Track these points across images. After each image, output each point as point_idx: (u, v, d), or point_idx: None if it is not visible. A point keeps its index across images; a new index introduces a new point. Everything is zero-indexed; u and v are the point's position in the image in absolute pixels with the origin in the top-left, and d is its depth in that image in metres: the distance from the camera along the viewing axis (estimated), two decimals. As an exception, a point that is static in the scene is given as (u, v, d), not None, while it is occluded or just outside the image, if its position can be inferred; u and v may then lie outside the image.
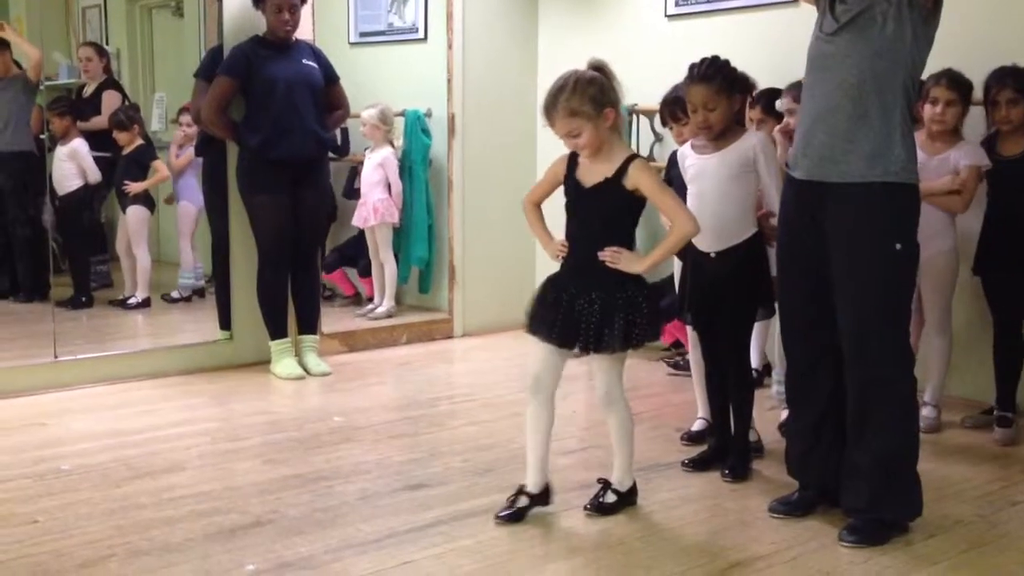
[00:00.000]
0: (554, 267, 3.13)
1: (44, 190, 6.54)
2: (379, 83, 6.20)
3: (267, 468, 3.55)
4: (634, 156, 2.91)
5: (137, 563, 2.74)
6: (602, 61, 2.93)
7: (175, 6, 7.91)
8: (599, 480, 3.14)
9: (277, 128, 4.66)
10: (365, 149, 6.15)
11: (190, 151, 6.51)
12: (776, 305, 3.43)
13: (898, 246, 2.86)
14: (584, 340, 2.90)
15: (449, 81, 5.81)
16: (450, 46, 5.78)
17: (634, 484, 3.15)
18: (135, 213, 6.32)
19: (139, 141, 6.36)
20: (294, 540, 2.90)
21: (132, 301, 6.22)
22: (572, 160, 2.97)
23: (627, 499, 3.12)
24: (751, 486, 3.39)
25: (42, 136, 6.68)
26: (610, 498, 3.09)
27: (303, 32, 4.92)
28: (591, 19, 5.76)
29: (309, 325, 5.01)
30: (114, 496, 3.24)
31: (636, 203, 2.93)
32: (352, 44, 6.44)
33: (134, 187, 6.30)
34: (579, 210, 2.98)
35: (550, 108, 2.87)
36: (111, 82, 6.98)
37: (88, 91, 6.95)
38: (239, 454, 3.72)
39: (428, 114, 6.07)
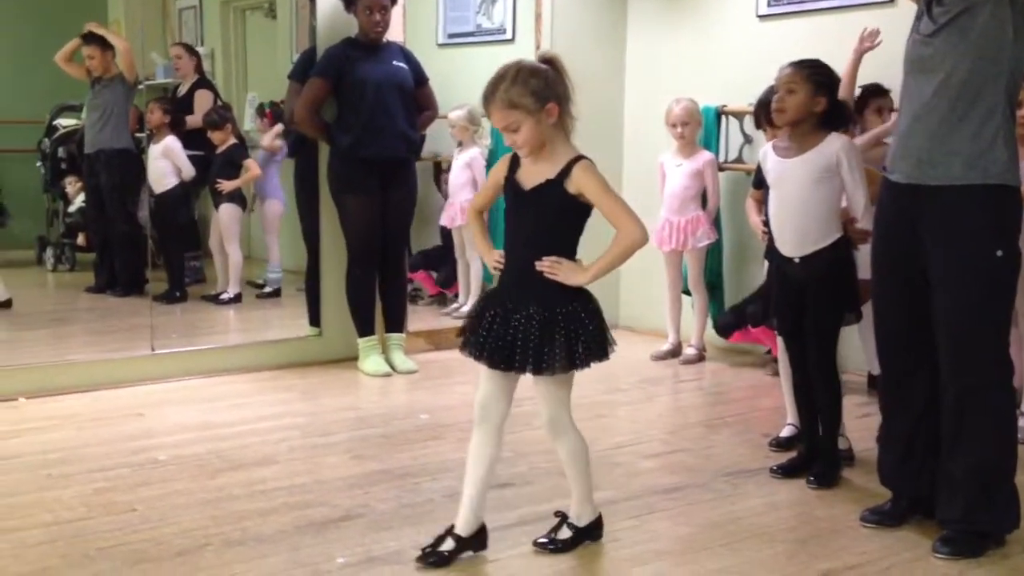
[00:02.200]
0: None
1: (141, 187, 6.75)
2: (467, 84, 6.21)
3: (355, 463, 3.60)
4: (579, 157, 2.61)
5: (231, 553, 2.80)
6: (554, 54, 2.67)
7: (268, 7, 8.08)
8: (556, 514, 2.87)
9: (367, 129, 4.73)
10: (459, 146, 6.18)
11: (278, 143, 6.66)
12: (863, 311, 3.38)
13: (999, 252, 2.79)
14: (521, 360, 2.59)
15: (537, 82, 5.81)
16: (538, 47, 5.78)
17: (597, 518, 2.86)
18: (227, 210, 6.47)
19: (232, 140, 6.51)
20: (382, 535, 2.94)
21: (224, 296, 6.37)
22: (515, 160, 2.68)
23: (586, 534, 2.83)
24: (842, 494, 3.34)
25: (139, 134, 6.89)
26: (564, 533, 2.82)
27: (394, 33, 4.99)
28: (681, 20, 5.72)
29: (396, 323, 5.07)
30: (208, 487, 3.32)
31: (580, 209, 2.62)
32: (440, 45, 6.49)
33: (226, 185, 6.45)
34: (517, 215, 2.68)
35: (488, 97, 2.59)
36: (204, 82, 7.15)
37: (182, 90, 7.14)
38: (328, 449, 3.78)
39: (515, 115, 6.09)
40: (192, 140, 6.74)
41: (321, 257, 5.11)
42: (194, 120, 6.82)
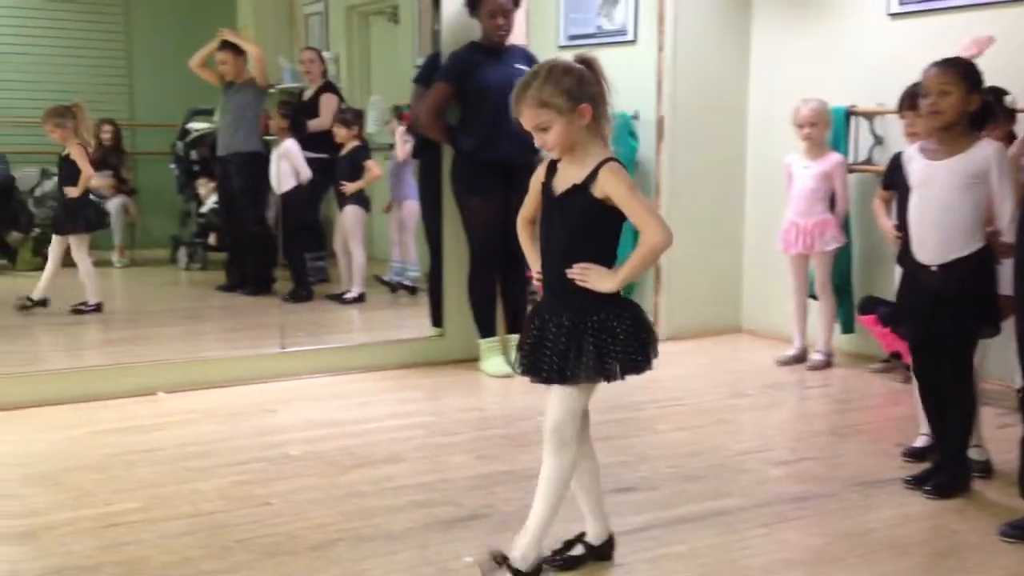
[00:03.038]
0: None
1: (268, 188, 6.95)
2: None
3: (480, 463, 3.64)
4: (608, 160, 2.48)
5: (363, 548, 2.87)
6: (591, 56, 2.53)
7: (391, 12, 8.23)
8: (493, 556, 2.65)
9: (490, 132, 4.77)
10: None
11: (408, 145, 6.77)
12: (1002, 325, 3.26)
13: None
14: (548, 369, 2.50)
15: (659, 84, 5.79)
16: (661, 48, 5.76)
17: (540, 561, 2.65)
18: (352, 211, 6.62)
19: (355, 142, 6.65)
20: (508, 536, 2.93)
21: (348, 296, 6.52)
22: (552, 165, 2.58)
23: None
24: (978, 507, 3.23)
25: (267, 137, 7.10)
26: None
27: (516, 37, 5.02)
28: (808, 19, 5.62)
29: (517, 324, 5.10)
30: (339, 483, 3.40)
31: (609, 213, 2.48)
32: (561, 47, 6.50)
33: (350, 187, 6.59)
34: (550, 222, 2.58)
35: (519, 96, 2.48)
36: (329, 86, 7.32)
37: (308, 94, 7.33)
38: (453, 448, 3.83)
39: (635, 117, 6.07)
40: (316, 143, 6.91)
41: (444, 258, 5.18)
42: (320, 123, 6.99)
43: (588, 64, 2.50)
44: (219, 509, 3.14)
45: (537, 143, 2.52)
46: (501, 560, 2.61)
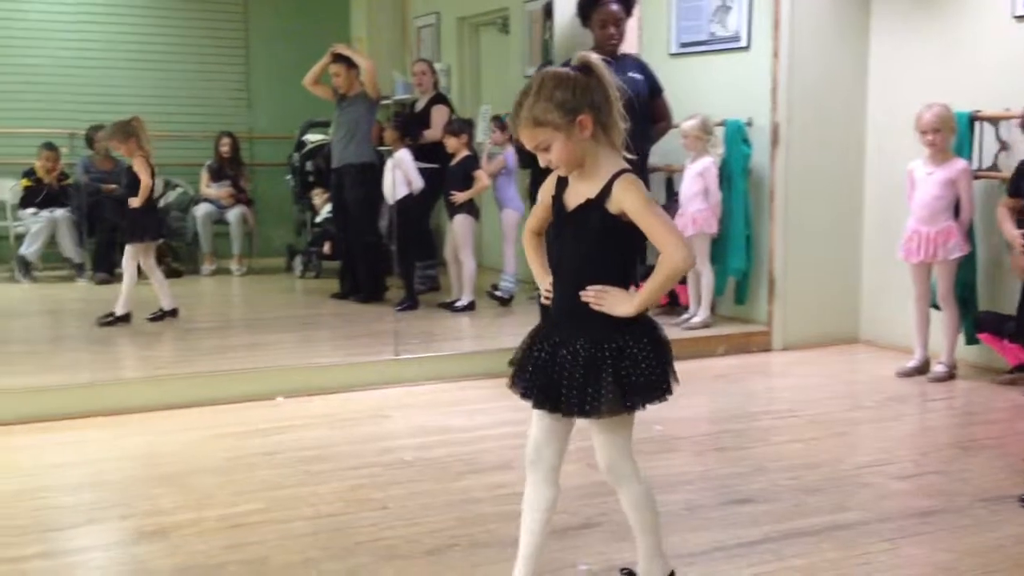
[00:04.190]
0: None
1: (381, 198, 7.07)
2: (698, 93, 6.19)
3: (592, 472, 3.56)
4: (621, 172, 2.28)
5: (478, 555, 2.89)
6: (590, 59, 2.30)
7: (501, 24, 8.30)
8: (621, 571, 2.64)
9: (602, 140, 4.76)
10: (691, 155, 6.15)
11: (501, 157, 6.82)
12: None
13: None
14: (566, 402, 2.30)
15: (774, 90, 5.71)
16: (776, 54, 5.67)
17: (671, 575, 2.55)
18: (462, 221, 6.68)
19: (465, 152, 6.71)
20: (622, 545, 2.93)
21: (459, 304, 6.58)
22: (564, 178, 2.38)
23: None
24: (1117, 527, 3.09)
25: (380, 148, 7.22)
26: None
27: (628, 45, 5.01)
28: (928, 23, 5.46)
29: (629, 333, 5.07)
30: (453, 489, 3.43)
31: (626, 230, 2.27)
32: (672, 55, 6.46)
33: (459, 196, 6.65)
34: (560, 239, 2.39)
35: (514, 117, 2.30)
36: (440, 97, 7.42)
37: (420, 105, 7.43)
38: (566, 455, 3.81)
39: (749, 124, 5.99)
40: (428, 153, 7.01)
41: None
42: (431, 134, 7.09)
43: (586, 69, 2.29)
44: (338, 512, 3.20)
45: (542, 163, 2.32)
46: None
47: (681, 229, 6.00)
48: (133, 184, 6.14)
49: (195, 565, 2.75)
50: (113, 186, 7.85)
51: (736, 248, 6.01)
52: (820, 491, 3.40)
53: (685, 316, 6.14)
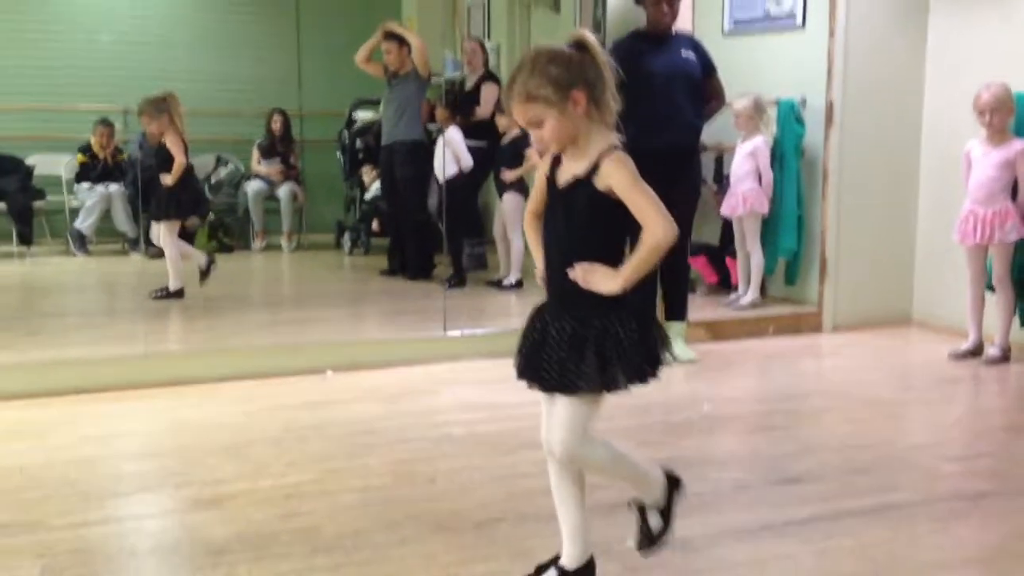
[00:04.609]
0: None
1: (431, 177, 7.09)
2: (752, 72, 6.13)
3: (640, 450, 3.58)
4: (611, 148, 2.26)
5: (526, 528, 2.91)
6: (584, 35, 2.27)
7: (552, 2, 8.26)
8: (632, 503, 2.57)
9: (654, 120, 4.73)
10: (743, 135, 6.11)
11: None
12: None
13: None
14: (547, 377, 2.30)
15: (829, 69, 5.64)
16: (831, 33, 5.61)
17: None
18: (511, 199, 6.69)
19: (516, 130, 6.70)
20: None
21: (506, 282, 6.60)
22: (558, 156, 2.36)
23: (670, 512, 2.53)
24: None
25: (430, 126, 7.25)
26: (655, 521, 2.51)
27: (682, 23, 4.97)
28: (989, 1, 5.36)
29: (677, 312, 5.07)
30: (501, 464, 3.45)
31: (615, 208, 2.25)
32: (726, 34, 6.40)
33: (509, 175, 6.66)
34: (553, 218, 2.38)
35: (507, 92, 2.28)
36: (490, 75, 7.41)
37: (469, 84, 7.44)
38: (612, 433, 3.74)
39: (803, 103, 5.93)
40: (477, 132, 7.02)
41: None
42: (481, 112, 7.09)
43: (581, 46, 2.26)
44: (387, 484, 3.24)
45: (534, 140, 2.33)
46: (640, 506, 2.57)
47: (732, 209, 6.00)
48: (165, 161, 6.16)
49: (250, 533, 2.80)
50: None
51: (788, 228, 5.96)
52: (870, 471, 3.38)
53: (734, 296, 6.12)
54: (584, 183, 2.26)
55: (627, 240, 2.32)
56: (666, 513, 2.53)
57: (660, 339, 2.36)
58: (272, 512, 2.96)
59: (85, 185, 8.26)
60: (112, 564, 2.63)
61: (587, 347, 2.25)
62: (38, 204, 8.23)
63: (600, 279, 2.25)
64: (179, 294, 6.21)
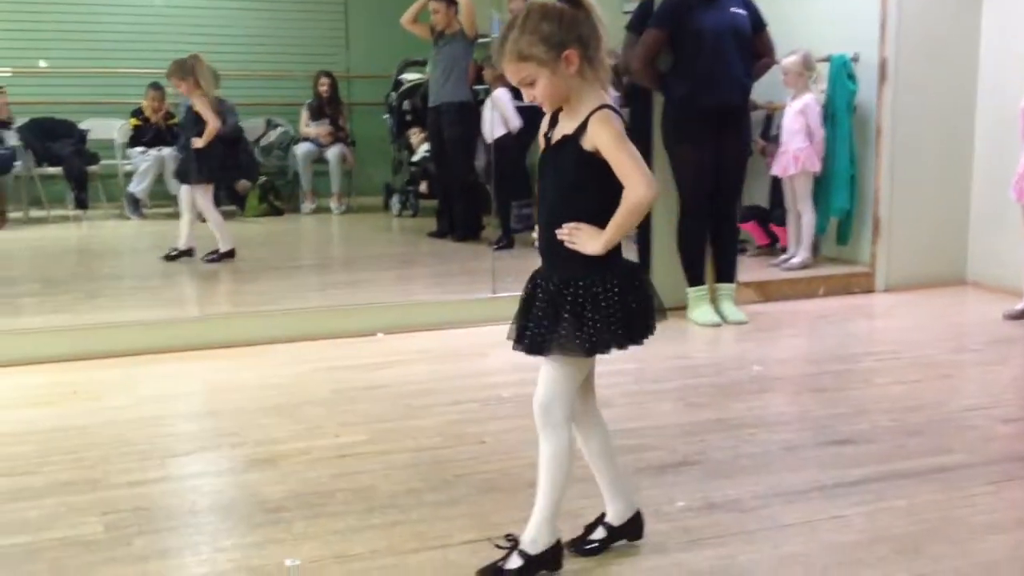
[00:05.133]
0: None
1: (478, 138, 7.09)
2: (803, 28, 6.04)
3: (689, 411, 3.64)
4: (600, 107, 2.20)
5: (576, 488, 2.87)
6: None
7: (599, -42, 8.16)
8: (507, 537, 2.42)
9: (704, 77, 4.70)
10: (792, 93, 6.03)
11: (612, 94, 6.75)
12: None
13: None
14: (530, 338, 2.26)
15: (882, 24, 5.53)
16: (882, -13, 5.51)
17: (555, 546, 2.37)
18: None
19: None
20: (720, 483, 2.96)
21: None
22: (556, 114, 2.30)
23: (539, 564, 2.34)
24: None
25: (477, 87, 7.23)
26: (513, 563, 2.33)
27: (732, -21, 4.90)
28: (1049, -51, 5.23)
29: (727, 273, 5.05)
30: (550, 425, 3.47)
31: (603, 168, 2.19)
32: (777, -12, 6.29)
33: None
34: (543, 176, 2.33)
35: (498, 50, 2.22)
36: (538, 34, 7.35)
37: (517, 44, 7.39)
38: (661, 396, 3.85)
39: (855, 59, 5.83)
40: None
41: (652, 207, 5.14)
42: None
43: (575, 2, 2.19)
44: (438, 445, 3.27)
45: (526, 99, 2.26)
46: (512, 542, 2.38)
47: (783, 168, 5.93)
48: (194, 124, 6.18)
49: (305, 492, 2.85)
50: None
51: (840, 187, 5.89)
52: (922, 433, 3.36)
53: (784, 256, 6.07)
54: (572, 142, 2.22)
55: (616, 200, 2.23)
56: (525, 568, 2.33)
57: (648, 299, 2.31)
58: (326, 471, 3.01)
59: (138, 149, 8.38)
60: (172, 521, 2.70)
61: (563, 307, 2.22)
62: (93, 168, 8.37)
63: (584, 239, 2.21)
64: (230, 255, 6.28)
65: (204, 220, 6.32)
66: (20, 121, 8.16)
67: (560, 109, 2.26)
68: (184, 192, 6.28)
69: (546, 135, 2.31)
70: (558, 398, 2.31)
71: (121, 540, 2.54)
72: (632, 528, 2.52)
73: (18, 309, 5.15)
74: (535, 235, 2.38)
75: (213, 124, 6.11)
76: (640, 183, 2.16)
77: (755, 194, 6.48)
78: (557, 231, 2.23)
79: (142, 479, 2.97)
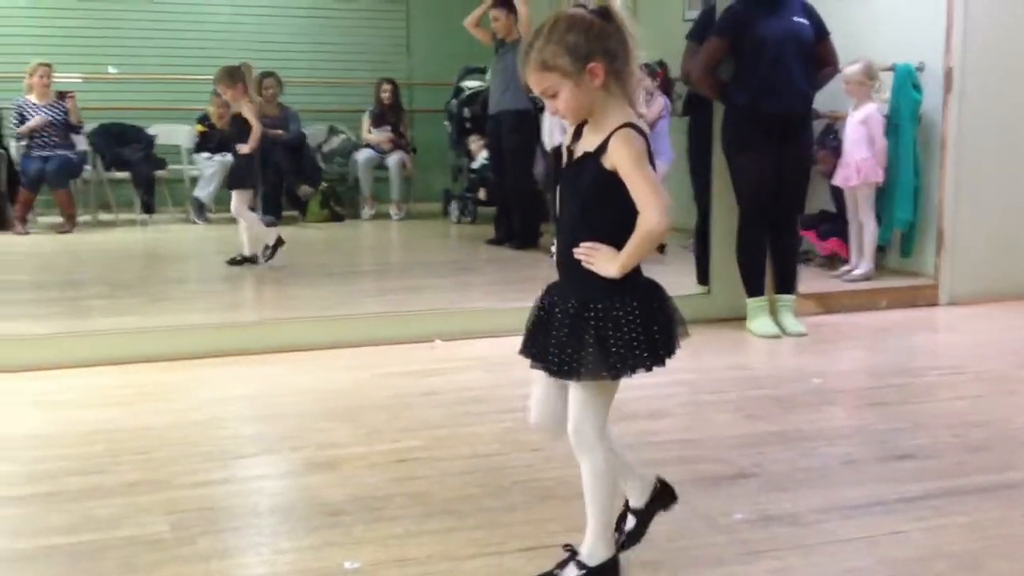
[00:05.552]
0: None
1: (537, 146, 7.11)
2: (867, 36, 5.98)
3: (747, 422, 3.63)
4: (624, 126, 2.14)
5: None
6: (609, 5, 2.16)
7: (660, -34, 8.16)
8: (564, 547, 2.39)
9: (765, 86, 4.68)
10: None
11: (661, 100, 6.75)
12: None
13: None
14: (553, 360, 2.23)
15: (948, 32, 5.46)
16: (956, -9, 5.44)
17: (612, 559, 2.35)
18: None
19: (625, 99, 6.66)
20: (778, 496, 2.94)
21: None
22: (580, 127, 2.25)
23: None
24: None
25: (531, 95, 7.25)
26: (571, 572, 2.33)
27: (795, -15, 4.88)
28: None
29: (787, 284, 5.01)
30: (607, 434, 3.48)
31: (622, 187, 2.15)
32: (841, -3, 6.24)
33: (617, 143, 6.63)
34: (562, 193, 2.29)
35: (524, 59, 2.16)
36: (598, 42, 7.36)
37: (577, 52, 7.41)
38: (718, 406, 3.83)
39: (920, 68, 5.76)
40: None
41: (712, 215, 5.14)
42: (588, 81, 7.07)
43: (605, 14, 2.14)
44: (495, 452, 3.30)
45: (549, 110, 2.23)
46: (570, 551, 2.37)
47: (844, 179, 5.88)
48: (240, 131, 6.29)
49: (364, 496, 2.89)
50: (280, 132, 8.16)
51: (903, 198, 5.82)
52: (985, 449, 3.31)
53: (846, 268, 6.01)
54: (592, 159, 2.17)
55: (634, 219, 2.20)
56: None
57: (671, 320, 2.26)
58: (384, 476, 3.05)
59: (204, 154, 8.53)
60: (236, 522, 2.75)
61: (587, 331, 2.17)
62: (160, 173, 8.54)
63: (602, 261, 2.17)
64: (253, 260, 6.37)
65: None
66: (90, 126, 8.36)
67: (585, 122, 2.22)
68: (235, 200, 6.40)
69: (568, 148, 2.26)
70: (589, 420, 2.28)
71: (186, 540, 2.60)
72: (661, 500, 2.47)
73: (88, 311, 5.28)
74: (552, 248, 2.35)
75: (258, 130, 6.23)
76: (654, 212, 2.12)
77: (818, 203, 6.41)
78: (574, 249, 2.20)
79: (206, 480, 3.03)
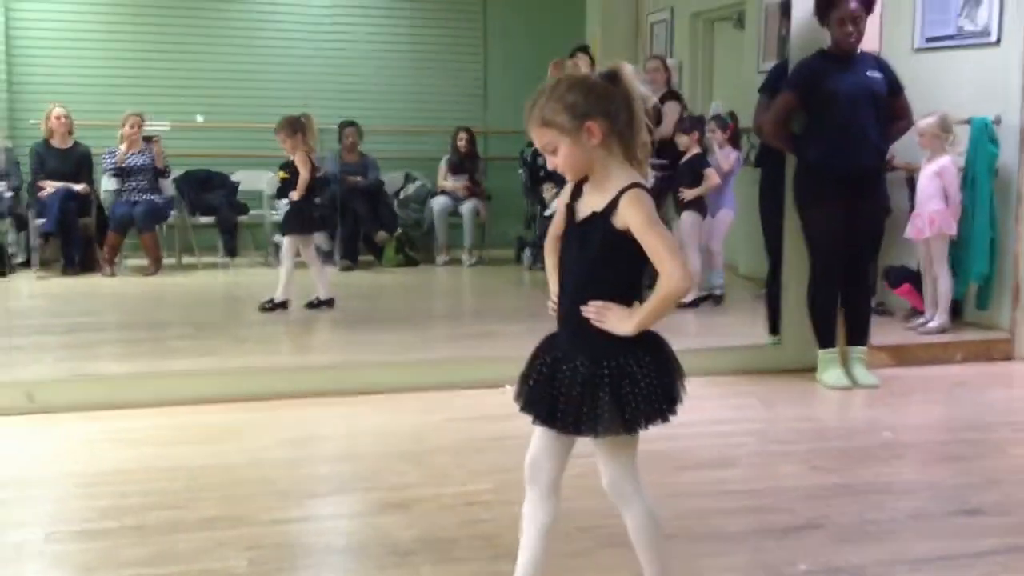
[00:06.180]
0: None
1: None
2: (942, 89, 5.97)
3: (815, 474, 3.63)
4: (632, 186, 2.17)
5: (698, 547, 2.97)
6: (619, 66, 2.21)
7: (736, 19, 8.24)
8: None
9: (837, 141, 4.69)
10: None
11: (735, 156, 6.81)
12: None
13: None
14: (563, 419, 2.25)
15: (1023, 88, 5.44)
16: (1028, 50, 5.42)
17: None
18: (688, 218, 6.73)
19: (696, 149, 6.74)
20: (844, 548, 2.95)
21: (685, 300, 6.61)
22: (580, 185, 2.28)
23: None
24: None
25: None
26: None
27: (869, 42, 4.90)
28: None
29: (859, 336, 4.99)
30: (673, 483, 3.50)
31: (632, 246, 2.18)
32: (916, 50, 6.25)
33: (689, 193, 6.70)
34: (568, 250, 2.30)
35: (527, 114, 2.23)
36: (672, 93, 7.44)
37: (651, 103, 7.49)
38: (786, 457, 3.84)
39: (996, 122, 5.73)
40: (658, 150, 7.01)
41: (784, 266, 5.15)
42: (661, 131, 7.13)
43: (613, 78, 2.20)
44: (565, 498, 3.32)
45: (549, 165, 2.27)
46: None
47: (917, 232, 5.84)
48: (295, 177, 6.47)
49: (434, 538, 2.97)
50: (358, 178, 8.37)
51: (979, 252, 5.76)
52: (1057, 508, 3.28)
53: (921, 320, 5.95)
54: (601, 219, 2.20)
55: (642, 277, 2.26)
56: None
57: (676, 373, 2.31)
58: (454, 518, 3.12)
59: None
60: (311, 559, 2.85)
61: (602, 388, 2.20)
62: (242, 218, 8.79)
63: (614, 320, 2.20)
64: (330, 303, 6.46)
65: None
66: (176, 172, 8.66)
67: (585, 179, 2.26)
68: (285, 244, 6.57)
69: (569, 206, 2.29)
70: (622, 474, 2.35)
71: (263, 575, 2.70)
72: None
73: (171, 352, 5.46)
74: (552, 305, 2.39)
75: (305, 176, 6.41)
76: (675, 272, 2.15)
77: (902, 257, 6.31)
78: (583, 308, 2.22)
79: (283, 518, 3.13)
